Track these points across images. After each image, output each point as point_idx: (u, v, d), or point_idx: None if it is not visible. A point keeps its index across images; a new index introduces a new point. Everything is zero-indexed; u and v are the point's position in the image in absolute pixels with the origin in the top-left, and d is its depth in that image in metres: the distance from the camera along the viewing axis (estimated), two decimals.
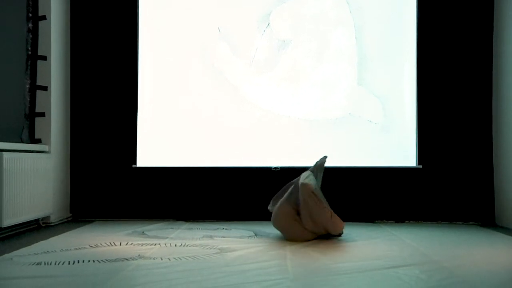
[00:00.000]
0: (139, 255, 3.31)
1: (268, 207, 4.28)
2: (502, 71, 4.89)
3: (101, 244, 3.71)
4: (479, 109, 5.05)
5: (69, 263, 3.06)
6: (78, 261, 3.11)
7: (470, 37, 5.05)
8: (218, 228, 4.55)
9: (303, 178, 3.98)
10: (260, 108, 5.09)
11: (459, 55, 5.06)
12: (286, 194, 4.05)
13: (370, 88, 5.05)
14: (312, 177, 4.04)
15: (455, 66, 5.06)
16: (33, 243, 3.73)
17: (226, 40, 5.12)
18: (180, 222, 4.98)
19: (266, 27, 5.10)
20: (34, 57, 4.69)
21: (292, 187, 4.07)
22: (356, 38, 5.07)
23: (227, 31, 5.12)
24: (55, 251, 3.44)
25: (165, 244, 3.74)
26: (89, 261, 3.13)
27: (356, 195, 5.07)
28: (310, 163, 5.03)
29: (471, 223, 5.01)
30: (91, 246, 3.63)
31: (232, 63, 5.11)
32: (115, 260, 3.15)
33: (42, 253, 3.37)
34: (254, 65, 5.10)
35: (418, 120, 5.02)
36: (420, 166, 5.02)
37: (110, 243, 3.75)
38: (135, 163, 5.11)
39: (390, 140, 5.04)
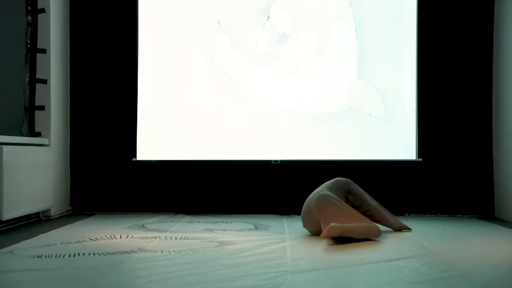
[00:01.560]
0: (139, 248, 3.32)
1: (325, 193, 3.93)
2: (503, 64, 4.88)
3: (101, 237, 3.71)
4: (479, 103, 5.04)
5: (69, 256, 3.07)
6: (79, 254, 3.12)
7: (470, 30, 5.03)
8: (218, 221, 4.56)
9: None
10: (260, 101, 5.08)
11: (460, 49, 5.04)
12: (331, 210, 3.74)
13: (371, 81, 5.04)
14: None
15: (456, 60, 5.05)
16: (33, 236, 3.73)
17: (226, 33, 5.10)
18: (181, 215, 4.99)
19: (266, 20, 5.08)
20: (33, 50, 4.68)
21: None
22: (356, 31, 5.06)
23: (227, 24, 5.11)
24: (55, 244, 3.44)
25: (165, 237, 3.75)
26: (89, 254, 3.14)
27: None
28: (310, 156, 5.05)
29: (470, 216, 5.01)
30: (91, 239, 3.63)
31: (232, 56, 5.10)
32: (116, 253, 3.15)
33: (42, 246, 3.37)
34: (254, 58, 5.09)
35: (418, 114, 5.01)
36: (420, 159, 5.02)
37: (110, 236, 3.75)
38: (135, 156, 5.11)
39: (390, 133, 5.03)
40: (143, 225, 4.31)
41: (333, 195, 3.87)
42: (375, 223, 3.77)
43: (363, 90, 5.05)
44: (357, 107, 5.05)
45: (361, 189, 4.16)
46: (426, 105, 5.03)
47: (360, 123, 5.03)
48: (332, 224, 3.47)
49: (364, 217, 3.82)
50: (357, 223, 3.65)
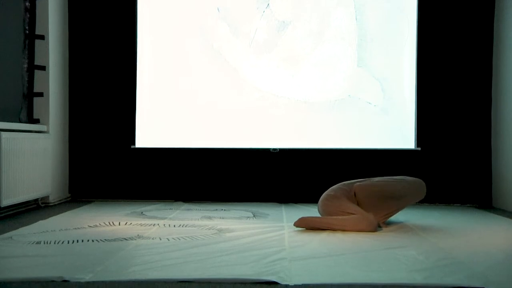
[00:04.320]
0: (138, 235, 3.33)
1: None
2: (503, 54, 4.86)
3: (100, 224, 3.72)
4: (478, 93, 5.04)
5: (68, 243, 3.08)
6: (77, 241, 3.13)
7: (470, 19, 5.01)
8: (216, 209, 4.57)
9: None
10: (259, 89, 5.07)
11: (460, 38, 5.03)
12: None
13: (370, 70, 5.03)
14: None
15: (455, 49, 5.04)
16: (32, 223, 3.74)
17: (225, 21, 5.08)
18: (179, 202, 5.00)
19: (266, 7, 5.05)
20: (31, 36, 4.66)
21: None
22: (356, 19, 5.03)
23: (227, 12, 5.08)
24: (54, 230, 3.46)
25: (164, 224, 3.76)
26: (88, 240, 3.15)
27: (354, 177, 5.06)
28: (309, 144, 5.06)
29: (468, 205, 5.03)
30: (90, 226, 3.64)
31: (231, 44, 5.08)
32: (114, 240, 3.16)
33: (41, 232, 3.38)
34: (253, 46, 5.07)
35: (418, 103, 5.01)
36: (419, 149, 5.02)
37: (109, 223, 3.76)
38: (134, 143, 5.11)
39: (389, 122, 5.03)
40: (142, 212, 4.32)
41: (338, 192, 3.83)
42: (371, 215, 3.59)
43: (362, 78, 5.04)
44: (356, 95, 5.04)
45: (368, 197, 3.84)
46: (425, 95, 5.03)
47: (359, 112, 5.02)
48: (302, 216, 3.63)
49: (361, 210, 3.64)
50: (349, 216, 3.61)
